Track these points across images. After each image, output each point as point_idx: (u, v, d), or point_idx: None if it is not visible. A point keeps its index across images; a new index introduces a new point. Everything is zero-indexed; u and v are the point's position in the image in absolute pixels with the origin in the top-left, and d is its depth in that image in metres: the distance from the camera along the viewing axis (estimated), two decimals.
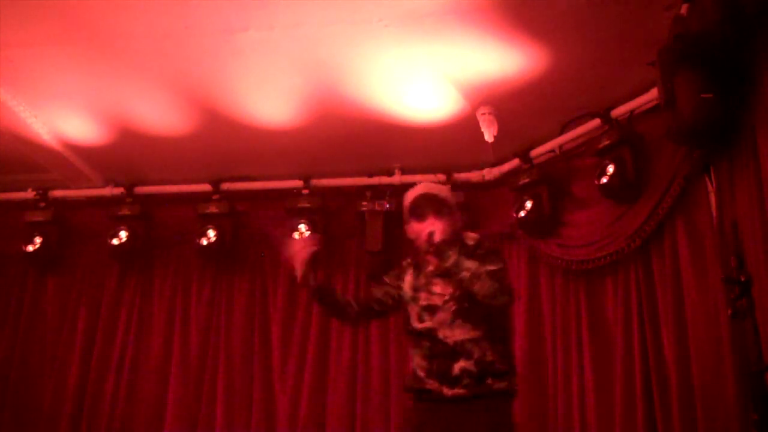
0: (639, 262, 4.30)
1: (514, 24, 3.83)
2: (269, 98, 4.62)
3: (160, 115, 4.83)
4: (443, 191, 3.15)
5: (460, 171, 5.38)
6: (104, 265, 5.77)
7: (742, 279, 2.68)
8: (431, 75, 4.33)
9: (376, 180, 5.49)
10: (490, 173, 5.36)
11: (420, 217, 3.01)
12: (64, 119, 4.93)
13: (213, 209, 5.55)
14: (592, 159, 4.51)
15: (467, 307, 2.92)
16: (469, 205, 5.30)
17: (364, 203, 5.33)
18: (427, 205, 3.02)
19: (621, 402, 4.23)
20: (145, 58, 4.23)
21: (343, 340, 5.33)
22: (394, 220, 5.30)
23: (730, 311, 2.75)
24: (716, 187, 3.71)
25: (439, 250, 2.91)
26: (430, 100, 4.59)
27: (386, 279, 3.21)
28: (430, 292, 3.01)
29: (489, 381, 2.89)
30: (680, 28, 3.42)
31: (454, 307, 2.93)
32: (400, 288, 3.12)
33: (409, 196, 3.10)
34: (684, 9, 3.46)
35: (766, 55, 3.23)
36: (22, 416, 5.51)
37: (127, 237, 5.53)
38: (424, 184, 3.17)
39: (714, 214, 3.73)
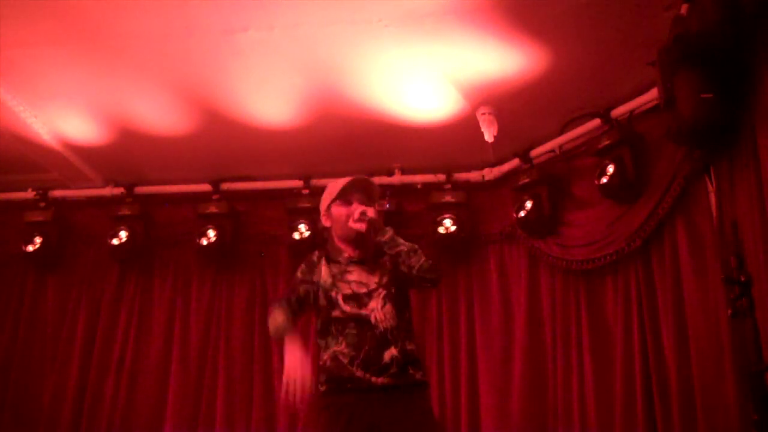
0: (639, 262, 4.31)
1: (514, 24, 3.83)
2: (269, 98, 4.62)
3: (160, 115, 4.83)
4: (372, 182, 3.13)
5: (460, 171, 5.38)
6: (104, 265, 5.77)
7: (742, 279, 2.68)
8: (431, 75, 4.33)
9: (376, 180, 5.47)
10: (490, 173, 5.36)
11: (346, 201, 2.99)
12: (64, 119, 4.93)
13: (213, 209, 5.55)
14: (592, 159, 4.52)
15: (395, 293, 2.92)
16: (469, 205, 5.30)
17: None
18: (356, 191, 3.02)
19: (621, 402, 4.23)
20: (145, 58, 4.23)
21: None
22: (394, 220, 5.32)
23: (730, 311, 2.75)
24: (716, 187, 3.72)
25: (375, 224, 2.90)
26: (430, 100, 4.59)
27: (300, 276, 3.03)
28: (348, 281, 2.93)
29: (411, 371, 2.86)
30: (680, 28, 3.42)
31: (383, 293, 2.91)
32: (314, 283, 2.97)
33: (336, 184, 3.05)
34: (684, 9, 3.46)
35: (766, 55, 3.23)
36: (22, 416, 5.50)
37: (127, 237, 5.53)
38: (355, 176, 3.11)
39: (714, 214, 3.74)
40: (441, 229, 5.16)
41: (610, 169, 4.26)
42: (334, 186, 3.07)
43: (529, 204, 4.80)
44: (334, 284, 2.94)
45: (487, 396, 4.97)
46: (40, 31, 3.97)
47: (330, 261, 3.01)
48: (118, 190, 5.75)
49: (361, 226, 2.92)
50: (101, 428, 5.38)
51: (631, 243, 4.26)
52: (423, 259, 2.86)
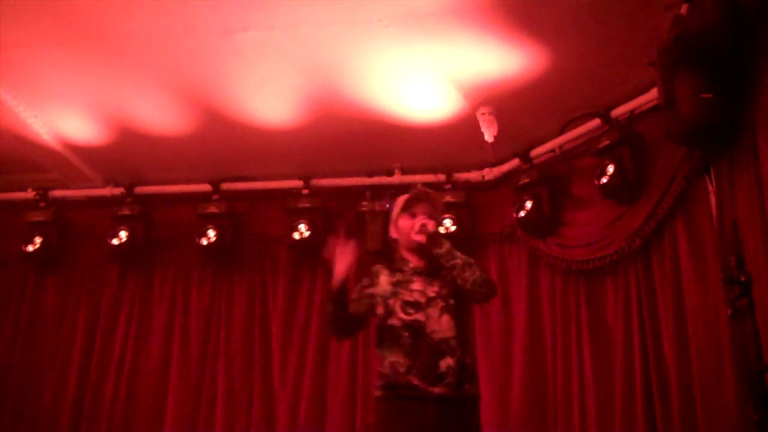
0: (639, 262, 4.30)
1: (514, 24, 3.83)
2: (269, 98, 4.63)
3: (160, 115, 4.83)
4: (437, 196, 3.26)
5: (460, 171, 5.38)
6: (104, 265, 5.78)
7: (742, 279, 2.68)
8: (431, 75, 4.33)
9: (376, 180, 5.49)
10: (490, 173, 5.36)
11: (411, 213, 3.11)
12: (64, 119, 4.93)
13: (213, 209, 5.55)
14: (592, 159, 4.52)
15: (453, 304, 2.98)
16: (469, 205, 5.30)
17: (364, 203, 5.33)
18: (422, 203, 3.13)
19: (621, 402, 4.22)
20: (145, 58, 4.24)
21: None
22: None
23: (730, 311, 2.75)
24: (716, 187, 3.71)
25: (434, 237, 3.01)
26: (430, 100, 4.59)
27: (355, 295, 3.11)
28: (409, 289, 3.02)
29: (466, 384, 2.92)
30: (680, 28, 3.42)
31: (441, 304, 2.97)
32: (373, 296, 3.06)
33: (403, 197, 3.20)
34: (684, 9, 3.46)
35: (766, 55, 3.23)
36: (22, 416, 5.51)
37: (127, 237, 5.53)
38: (422, 188, 3.25)
39: (714, 214, 3.73)
40: (441, 229, 5.16)
41: (610, 169, 4.26)
42: (401, 198, 3.20)
43: (529, 204, 4.80)
44: (394, 292, 3.02)
45: (487, 395, 4.95)
46: (40, 31, 3.97)
47: (394, 270, 3.11)
48: (118, 190, 5.75)
49: (422, 238, 3.03)
50: (101, 428, 5.38)
51: (631, 243, 4.26)
52: (477, 273, 2.94)
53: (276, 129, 4.91)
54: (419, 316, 2.94)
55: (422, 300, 2.98)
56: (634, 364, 4.19)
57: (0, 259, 5.89)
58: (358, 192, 5.46)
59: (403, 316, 2.96)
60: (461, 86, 4.42)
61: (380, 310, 3.03)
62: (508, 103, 4.51)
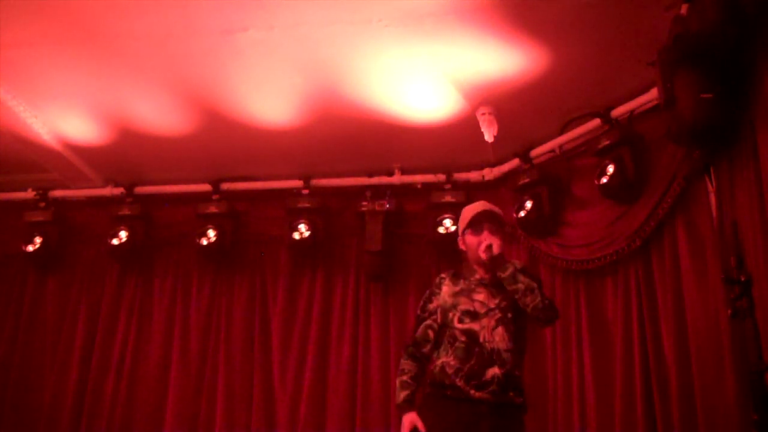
0: (639, 262, 4.30)
1: (514, 24, 3.83)
2: (269, 98, 4.62)
3: (160, 115, 4.83)
4: (500, 211, 3.31)
5: (460, 171, 5.38)
6: (104, 265, 5.78)
7: (742, 279, 2.68)
8: (431, 75, 4.33)
9: (376, 180, 5.49)
10: (490, 173, 5.36)
11: (477, 230, 3.20)
12: (64, 119, 4.93)
13: (213, 209, 5.55)
14: (592, 159, 4.51)
15: (510, 317, 3.08)
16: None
17: (364, 203, 5.33)
18: (486, 221, 3.21)
19: (621, 401, 4.22)
20: (145, 58, 4.24)
21: (343, 340, 5.33)
22: (394, 220, 5.32)
23: (730, 311, 2.74)
24: (716, 187, 3.71)
25: (498, 260, 3.09)
26: (430, 100, 4.59)
27: (419, 312, 3.28)
28: (471, 299, 3.13)
29: (511, 394, 3.01)
30: (680, 28, 3.42)
31: (498, 315, 3.07)
32: (436, 311, 3.20)
33: (470, 210, 3.28)
34: (684, 9, 3.46)
35: (766, 55, 3.23)
36: (22, 416, 5.51)
37: (127, 237, 5.53)
38: (483, 202, 3.35)
39: (714, 214, 3.73)
40: (441, 229, 5.16)
41: (610, 169, 4.26)
42: (467, 213, 3.29)
43: (529, 204, 4.80)
44: (453, 304, 3.13)
45: None
46: (40, 31, 3.97)
47: (459, 278, 3.22)
48: (118, 190, 5.75)
49: (487, 258, 3.10)
50: (101, 428, 5.38)
51: (631, 243, 4.26)
52: (539, 299, 3.03)
53: (276, 129, 4.91)
54: (474, 326, 3.06)
55: (482, 310, 3.09)
56: (634, 364, 4.19)
57: (0, 259, 5.89)
58: (358, 192, 5.46)
59: (458, 325, 3.08)
60: (461, 86, 4.42)
61: (440, 319, 3.17)
62: (508, 103, 4.51)
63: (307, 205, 5.42)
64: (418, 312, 3.30)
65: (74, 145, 5.25)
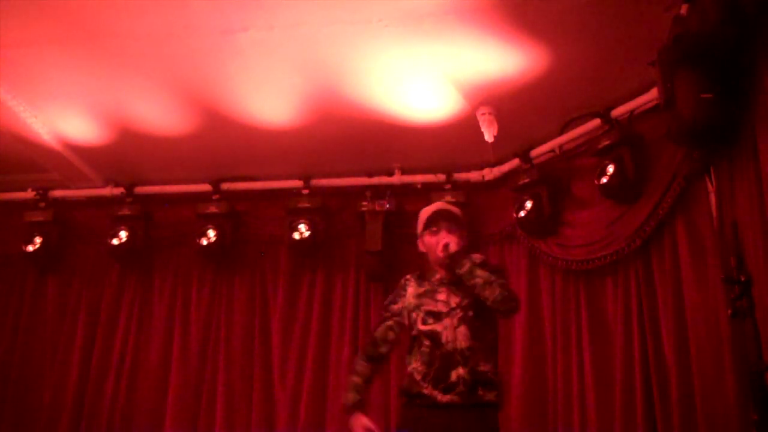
0: (639, 262, 4.30)
1: (514, 24, 3.83)
2: (269, 98, 4.62)
3: (160, 115, 4.83)
4: (456, 210, 3.33)
5: (460, 171, 5.38)
6: (104, 265, 5.78)
7: (742, 279, 2.68)
8: (431, 75, 4.33)
9: (376, 180, 5.49)
10: (490, 173, 5.36)
11: (434, 230, 3.20)
12: (64, 119, 4.93)
13: (213, 209, 5.55)
14: (592, 159, 4.51)
15: (472, 316, 3.06)
16: (469, 205, 5.30)
17: (364, 203, 5.33)
18: (443, 220, 3.21)
19: (621, 402, 4.22)
20: (145, 58, 4.24)
21: (343, 339, 5.33)
22: (394, 220, 5.32)
23: (730, 311, 2.75)
24: (716, 187, 3.71)
25: (455, 257, 3.08)
26: (430, 100, 4.59)
27: (383, 312, 3.32)
28: (435, 299, 3.13)
29: (480, 392, 2.99)
30: (680, 28, 3.42)
31: (460, 314, 3.07)
32: (399, 313, 3.22)
33: (426, 211, 3.28)
34: (684, 9, 3.46)
35: (766, 55, 3.23)
36: (22, 416, 5.51)
37: (127, 237, 5.53)
38: (440, 203, 3.40)
39: (714, 214, 3.73)
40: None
41: (610, 169, 4.26)
42: (423, 214, 3.29)
43: (529, 204, 4.80)
44: (417, 305, 3.15)
45: None
46: (40, 31, 3.97)
47: (423, 280, 3.24)
48: (118, 190, 5.75)
49: (444, 257, 3.11)
50: (101, 428, 5.38)
51: (631, 243, 4.26)
52: (498, 291, 3.01)
53: (276, 129, 4.91)
54: (437, 327, 3.06)
55: (444, 310, 3.09)
56: (634, 364, 4.19)
57: (0, 259, 5.89)
58: (358, 192, 5.46)
59: (421, 327, 3.09)
60: (461, 86, 4.42)
61: (405, 321, 3.19)
62: (508, 103, 4.51)
63: (307, 205, 5.42)
64: (382, 311, 3.31)
65: (74, 145, 5.25)
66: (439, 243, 3.13)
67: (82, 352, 5.60)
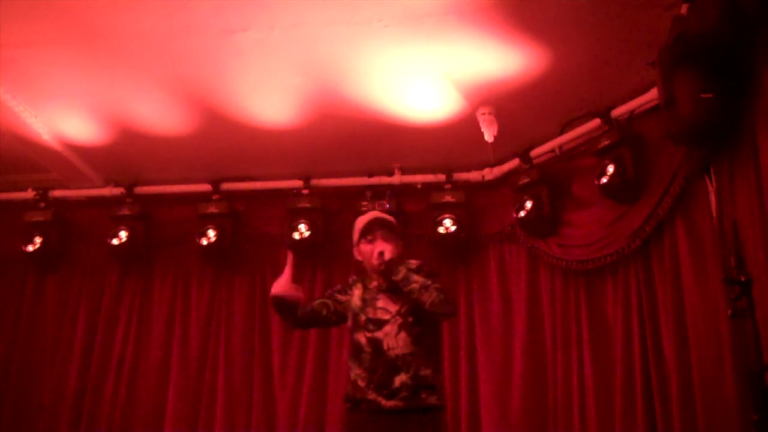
0: (639, 262, 4.30)
1: (514, 24, 3.83)
2: (269, 98, 4.62)
3: (160, 115, 4.83)
4: (391, 219, 3.34)
5: (460, 171, 5.38)
6: (104, 265, 5.78)
7: (742, 279, 2.68)
8: (431, 75, 4.33)
9: (376, 180, 5.49)
10: (490, 173, 5.36)
11: (370, 239, 3.21)
12: (64, 119, 4.93)
13: (213, 209, 5.55)
14: (592, 159, 4.52)
15: (411, 322, 3.09)
16: (469, 205, 5.30)
17: (364, 203, 5.32)
18: (377, 229, 3.23)
19: (621, 401, 4.23)
20: (145, 58, 4.24)
21: (344, 339, 5.31)
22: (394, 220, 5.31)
23: (730, 311, 2.74)
24: (716, 187, 3.71)
25: (390, 265, 3.10)
26: (430, 100, 4.59)
27: (329, 291, 3.38)
28: (375, 307, 3.16)
29: (423, 395, 3.02)
30: (680, 28, 3.42)
31: (399, 321, 3.09)
32: (341, 302, 3.26)
33: (361, 220, 3.31)
34: (684, 9, 3.46)
35: (766, 56, 3.23)
36: (22, 416, 5.50)
37: (127, 237, 5.53)
38: (375, 212, 3.40)
39: (714, 214, 3.73)
40: (441, 229, 5.16)
41: (610, 169, 4.26)
42: (358, 223, 3.31)
43: (529, 204, 4.80)
44: (362, 308, 3.18)
45: (487, 395, 4.97)
46: (40, 31, 3.97)
47: (365, 287, 3.25)
48: (118, 190, 5.75)
49: (379, 265, 3.12)
50: (101, 428, 5.38)
51: (631, 243, 4.26)
52: (434, 295, 3.02)
53: (276, 129, 4.91)
54: (378, 334, 3.09)
55: (384, 317, 3.12)
56: (634, 364, 4.19)
57: (0, 259, 5.89)
58: (358, 192, 5.45)
59: (365, 333, 3.12)
60: (461, 86, 4.42)
61: (350, 323, 3.22)
62: (508, 103, 4.51)
63: (307, 205, 5.42)
64: (329, 291, 3.36)
65: (74, 145, 5.25)
66: (375, 251, 3.13)
67: (82, 351, 5.59)
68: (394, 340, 3.05)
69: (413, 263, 3.21)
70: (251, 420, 5.29)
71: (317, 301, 3.32)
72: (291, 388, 5.31)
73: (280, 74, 4.37)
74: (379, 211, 3.39)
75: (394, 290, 3.13)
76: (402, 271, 3.08)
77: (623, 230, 4.31)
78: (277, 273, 5.46)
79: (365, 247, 3.22)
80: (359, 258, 3.28)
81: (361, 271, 3.35)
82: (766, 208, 3.20)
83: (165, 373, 5.47)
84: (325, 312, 3.27)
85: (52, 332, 5.70)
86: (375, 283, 3.22)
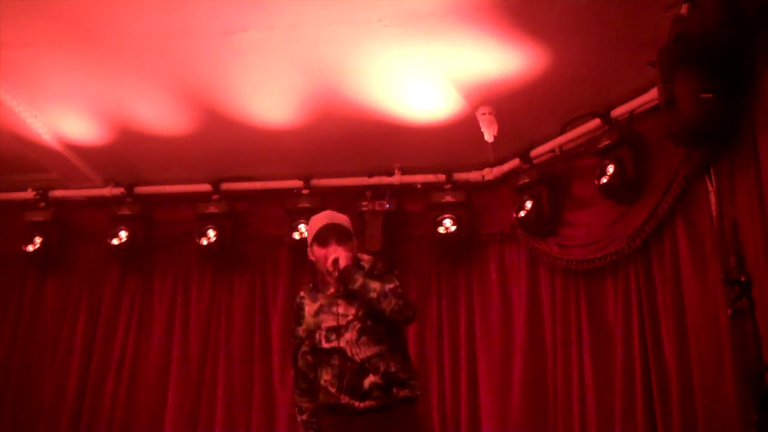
0: (639, 262, 4.30)
1: (514, 24, 3.83)
2: (269, 98, 4.62)
3: (160, 115, 4.83)
4: (346, 221, 3.27)
5: (460, 171, 5.38)
6: (104, 265, 5.78)
7: (742, 279, 2.68)
8: (431, 75, 4.33)
9: (376, 180, 5.49)
10: (490, 173, 5.36)
11: (324, 243, 3.14)
12: (64, 119, 4.93)
13: (213, 209, 5.55)
14: (592, 159, 4.52)
15: (370, 324, 3.07)
16: (469, 205, 5.30)
17: (364, 203, 5.33)
18: (331, 233, 3.16)
19: (621, 401, 4.23)
20: (145, 58, 4.23)
21: None
22: (394, 220, 5.32)
23: (730, 311, 2.74)
24: (716, 187, 3.72)
25: (345, 275, 3.05)
26: (430, 100, 4.59)
27: (292, 339, 3.30)
28: (332, 313, 3.12)
29: (394, 390, 3.02)
30: (680, 28, 3.42)
31: (358, 326, 3.07)
32: (304, 336, 3.19)
33: (315, 224, 3.22)
34: (684, 9, 3.46)
35: (766, 56, 3.23)
36: (22, 416, 5.51)
37: (127, 237, 5.53)
38: (329, 213, 3.28)
39: (714, 214, 3.74)
40: (441, 229, 5.17)
41: (610, 169, 4.26)
42: (312, 225, 3.23)
43: (529, 204, 4.80)
44: (316, 323, 3.14)
45: (487, 396, 4.97)
46: (40, 31, 3.97)
47: (317, 292, 3.22)
48: (118, 190, 5.75)
49: (334, 273, 3.07)
50: (101, 428, 5.38)
51: (631, 243, 4.26)
52: (393, 302, 3.01)
53: (276, 129, 4.91)
54: (340, 343, 3.06)
55: (343, 322, 3.09)
56: (634, 364, 4.19)
57: (0, 259, 5.89)
58: (358, 192, 5.46)
59: (326, 345, 3.09)
60: (461, 86, 4.42)
61: (308, 342, 3.17)
62: (508, 103, 4.51)
63: (307, 205, 5.41)
64: (291, 339, 3.30)
65: (74, 145, 5.25)
66: (329, 258, 3.08)
67: (82, 351, 5.59)
68: (356, 346, 3.04)
69: (365, 260, 3.19)
70: (251, 420, 5.29)
71: (300, 361, 3.22)
72: (291, 388, 5.29)
73: (280, 74, 4.37)
74: (334, 211, 3.30)
75: (351, 294, 3.09)
76: (359, 281, 3.05)
77: (623, 230, 4.31)
78: (277, 273, 5.58)
79: (319, 251, 3.15)
80: (312, 258, 3.22)
81: (315, 272, 3.28)
82: (766, 208, 3.21)
83: (165, 373, 5.47)
84: (311, 359, 3.18)
85: (52, 332, 5.70)
86: (332, 290, 3.16)
